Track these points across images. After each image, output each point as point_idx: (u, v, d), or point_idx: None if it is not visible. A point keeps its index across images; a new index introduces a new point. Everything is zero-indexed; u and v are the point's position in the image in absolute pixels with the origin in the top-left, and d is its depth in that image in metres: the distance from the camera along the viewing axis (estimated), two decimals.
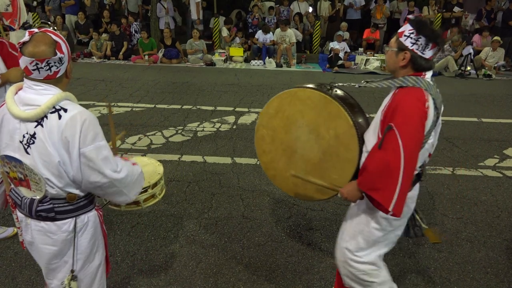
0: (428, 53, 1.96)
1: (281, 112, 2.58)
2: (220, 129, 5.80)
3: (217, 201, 3.82)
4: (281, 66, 11.15)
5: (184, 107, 6.78)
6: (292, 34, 11.44)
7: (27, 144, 1.68)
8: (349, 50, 11.65)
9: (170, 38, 11.25)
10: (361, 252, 2.21)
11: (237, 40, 12.00)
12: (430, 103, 1.93)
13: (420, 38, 1.93)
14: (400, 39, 1.98)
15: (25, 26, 6.16)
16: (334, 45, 11.44)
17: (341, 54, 11.24)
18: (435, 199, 4.00)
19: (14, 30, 6.01)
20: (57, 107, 1.68)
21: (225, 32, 12.05)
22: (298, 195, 2.63)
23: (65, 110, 1.68)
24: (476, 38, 11.71)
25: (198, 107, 6.81)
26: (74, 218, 1.83)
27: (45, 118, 1.66)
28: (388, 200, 1.89)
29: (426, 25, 1.95)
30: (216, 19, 12.43)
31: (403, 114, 1.88)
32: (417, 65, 1.98)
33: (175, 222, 3.46)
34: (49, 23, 8.98)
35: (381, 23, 12.56)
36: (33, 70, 1.64)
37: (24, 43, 1.64)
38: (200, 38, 11.36)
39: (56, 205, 1.78)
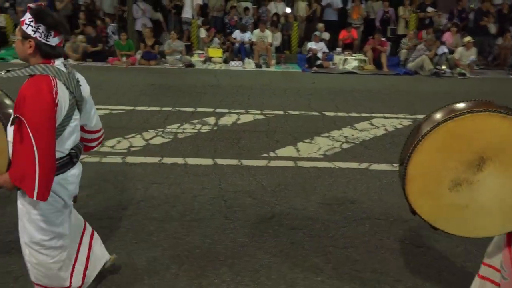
0: (53, 40, 2.06)
1: None
2: (200, 130, 5.78)
3: (199, 203, 3.79)
4: (261, 67, 11.18)
5: (164, 108, 6.73)
6: (270, 35, 11.49)
7: None
8: (327, 50, 11.77)
9: (152, 38, 11.13)
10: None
11: (216, 41, 11.98)
12: (61, 89, 2.03)
13: (40, 26, 2.01)
14: (23, 27, 2.03)
15: None
16: (311, 45, 11.53)
17: (319, 54, 11.35)
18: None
19: None
20: None
21: (203, 33, 12.00)
22: None
23: None
24: (446, 36, 11.96)
25: (178, 108, 6.76)
26: None
27: None
28: (31, 189, 1.98)
29: (45, 13, 2.02)
30: (194, 20, 12.37)
31: (29, 104, 1.93)
32: (44, 53, 2.06)
33: (157, 225, 3.42)
34: None
35: (357, 23, 12.73)
36: None
37: None
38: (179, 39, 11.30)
39: None
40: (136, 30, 12.08)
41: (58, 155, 2.12)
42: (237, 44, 11.69)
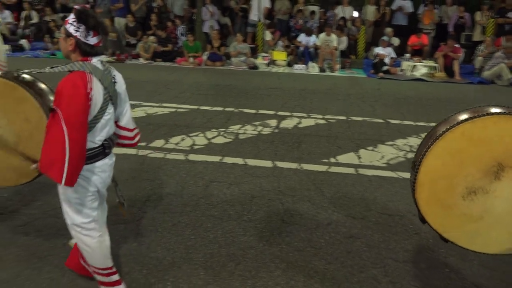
0: (91, 40, 2.24)
1: None
2: (262, 132, 5.82)
3: (256, 204, 3.82)
4: (324, 71, 11.05)
5: (227, 109, 6.86)
6: (335, 39, 11.32)
7: None
8: (395, 56, 11.38)
9: (219, 39, 11.42)
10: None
11: (280, 44, 12.03)
12: (95, 85, 2.19)
13: (81, 26, 2.20)
14: (66, 26, 2.23)
15: None
16: (379, 50, 11.22)
17: (386, 60, 11.01)
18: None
19: None
20: None
21: (268, 36, 12.10)
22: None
23: None
24: None
25: (240, 109, 6.86)
26: None
27: None
28: (59, 176, 2.13)
29: (87, 14, 2.22)
30: (260, 22, 12.51)
31: (64, 98, 2.11)
32: (83, 50, 2.24)
33: (215, 223, 3.49)
34: None
35: (428, 29, 12.18)
36: None
37: None
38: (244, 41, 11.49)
39: None
40: (203, 32, 12.45)
41: (91, 145, 2.29)
42: (301, 48, 11.65)
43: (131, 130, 2.64)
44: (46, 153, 2.18)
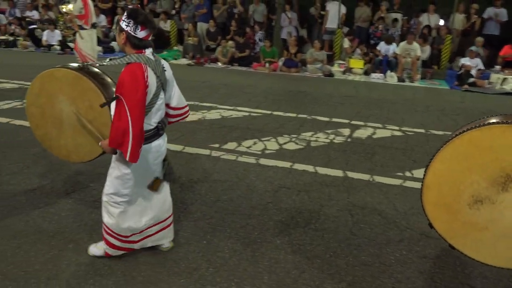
0: (140, 34, 2.55)
1: (44, 91, 2.99)
2: (334, 140, 5.73)
3: (325, 213, 3.77)
4: (403, 81, 10.62)
5: (300, 115, 6.85)
6: (417, 48, 10.84)
7: None
8: (483, 68, 10.63)
9: (295, 46, 11.47)
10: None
11: (358, 51, 11.77)
12: (150, 74, 2.53)
13: (130, 21, 2.52)
14: (120, 23, 2.58)
15: (94, 25, 7.81)
16: (465, 61, 10.54)
17: (473, 72, 10.32)
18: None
19: (85, 29, 7.71)
20: None
21: (346, 43, 11.91)
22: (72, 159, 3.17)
23: None
24: None
25: (313, 117, 6.82)
26: None
27: None
28: (125, 152, 2.52)
29: (137, 12, 2.56)
30: (339, 29, 12.35)
31: (127, 86, 2.46)
32: (132, 43, 2.57)
33: (282, 229, 3.50)
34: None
35: None
36: None
37: None
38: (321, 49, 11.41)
39: None
40: (281, 38, 12.56)
41: (147, 127, 2.64)
42: (380, 56, 11.30)
43: (182, 108, 2.97)
44: (115, 132, 2.52)
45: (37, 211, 3.61)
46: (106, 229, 2.93)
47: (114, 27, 13.82)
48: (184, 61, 12.03)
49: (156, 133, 2.74)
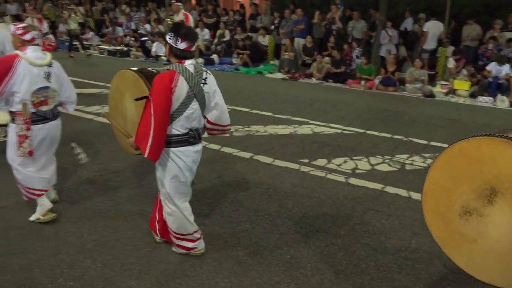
0: (180, 45, 2.81)
1: (117, 87, 3.30)
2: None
3: (417, 242, 3.53)
4: None
5: (395, 136, 6.55)
6: None
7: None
8: None
9: (394, 64, 11.07)
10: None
11: (464, 72, 10.97)
12: (180, 83, 2.75)
13: (172, 34, 2.82)
14: (166, 36, 2.91)
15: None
16: None
17: None
18: None
19: None
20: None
21: (451, 63, 11.17)
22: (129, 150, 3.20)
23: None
24: None
25: (409, 138, 6.48)
26: None
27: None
28: (145, 149, 2.75)
29: (179, 26, 2.88)
30: (444, 48, 11.65)
31: (155, 89, 2.73)
32: (174, 54, 2.86)
33: (369, 253, 3.35)
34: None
35: None
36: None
37: None
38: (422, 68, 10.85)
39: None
40: (380, 55, 12.19)
41: (174, 132, 2.84)
42: (490, 78, 10.40)
43: (222, 126, 3.13)
44: (139, 130, 2.79)
45: (134, 208, 3.90)
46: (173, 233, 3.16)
47: (215, 40, 14.57)
48: (279, 75, 12.23)
49: (185, 140, 2.89)
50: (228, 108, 3.18)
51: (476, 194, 2.14)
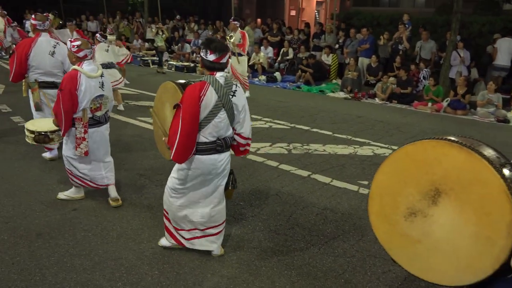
0: (209, 57, 2.96)
1: (160, 97, 3.44)
2: None
3: None
4: None
5: None
6: None
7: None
8: None
9: (465, 86, 10.54)
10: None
11: None
12: (209, 93, 2.91)
13: (203, 47, 2.99)
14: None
15: (248, 54, 10.00)
16: None
17: None
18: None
19: (242, 55, 9.74)
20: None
21: None
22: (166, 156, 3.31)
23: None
24: None
25: None
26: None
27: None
28: (171, 151, 2.98)
29: (210, 40, 3.02)
30: None
31: (185, 96, 2.93)
32: (205, 65, 3.03)
33: (428, 284, 3.16)
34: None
35: None
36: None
37: None
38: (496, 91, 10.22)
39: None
40: (449, 77, 11.67)
41: (202, 139, 3.01)
42: None
43: (244, 138, 3.25)
44: (170, 134, 2.99)
45: None
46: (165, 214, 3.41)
47: (279, 58, 14.75)
48: (341, 94, 12.08)
49: (212, 148, 3.05)
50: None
51: (422, 196, 2.21)
